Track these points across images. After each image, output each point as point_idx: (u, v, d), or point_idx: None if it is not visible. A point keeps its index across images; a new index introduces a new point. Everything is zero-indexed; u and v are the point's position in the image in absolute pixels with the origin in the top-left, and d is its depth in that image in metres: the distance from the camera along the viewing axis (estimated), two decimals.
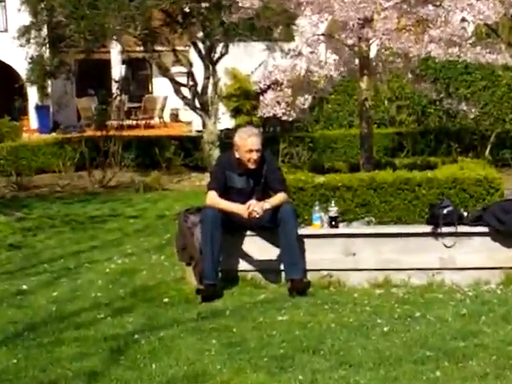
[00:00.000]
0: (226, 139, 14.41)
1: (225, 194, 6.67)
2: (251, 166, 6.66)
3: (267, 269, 6.80)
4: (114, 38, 15.30)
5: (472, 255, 6.64)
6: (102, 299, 6.52)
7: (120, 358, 5.04)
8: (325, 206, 6.89)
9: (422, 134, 15.86)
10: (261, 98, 7.43)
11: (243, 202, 6.55)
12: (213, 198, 6.64)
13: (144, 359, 5.01)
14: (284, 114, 7.42)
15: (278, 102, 7.36)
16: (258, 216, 6.43)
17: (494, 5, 7.10)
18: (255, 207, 6.42)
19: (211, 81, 14.77)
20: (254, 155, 6.62)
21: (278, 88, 7.33)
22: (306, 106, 7.53)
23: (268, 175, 6.71)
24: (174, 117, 28.75)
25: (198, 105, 14.89)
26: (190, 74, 14.96)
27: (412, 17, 7.38)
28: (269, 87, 7.45)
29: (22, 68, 17.59)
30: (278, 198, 6.61)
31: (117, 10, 13.22)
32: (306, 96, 7.49)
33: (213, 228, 6.45)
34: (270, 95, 7.34)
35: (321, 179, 7.17)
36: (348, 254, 6.75)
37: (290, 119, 7.55)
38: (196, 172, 16.02)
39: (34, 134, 22.94)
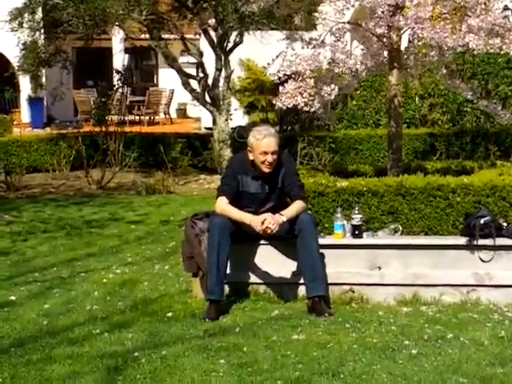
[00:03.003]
0: (238, 138, 14.42)
1: (237, 199, 6.66)
2: (266, 169, 6.65)
3: (282, 282, 6.79)
4: (117, 23, 15.33)
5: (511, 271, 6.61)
6: (99, 312, 6.52)
7: (117, 379, 5.04)
8: (347, 213, 6.88)
9: (456, 136, 15.83)
10: (280, 88, 7.42)
11: (256, 209, 6.58)
12: (223, 205, 6.62)
13: (144, 380, 5.01)
14: (306, 104, 7.41)
15: (300, 93, 7.36)
16: (273, 232, 6.43)
17: None
18: (270, 223, 6.39)
19: (223, 73, 14.78)
20: (270, 158, 6.60)
21: (300, 78, 7.32)
22: (332, 97, 7.52)
23: (285, 179, 6.69)
24: (182, 112, 28.83)
25: (208, 99, 14.90)
26: (200, 65, 14.98)
27: (448, 4, 7.37)
28: (289, 78, 7.45)
29: (13, 55, 17.63)
30: (295, 207, 6.57)
31: None
32: (333, 86, 7.48)
33: (220, 238, 6.44)
34: (290, 85, 7.33)
35: (343, 183, 7.17)
36: (373, 267, 6.73)
37: (312, 110, 7.54)
38: (205, 173, 16.06)
39: (26, 129, 22.99)
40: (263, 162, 6.62)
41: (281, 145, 6.75)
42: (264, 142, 6.60)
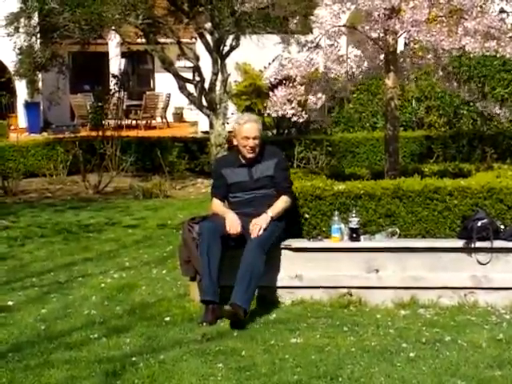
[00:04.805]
0: None
1: (230, 193, 6.90)
2: (248, 154, 6.83)
3: (279, 286, 6.79)
4: (113, 28, 15.34)
5: (509, 273, 6.62)
6: (97, 317, 6.51)
7: (116, 383, 5.04)
8: (345, 216, 6.88)
9: (453, 138, 15.85)
10: (270, 94, 7.44)
11: (246, 197, 6.78)
12: (216, 206, 6.92)
13: None
14: (294, 114, 7.44)
15: (289, 100, 7.37)
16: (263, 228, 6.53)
17: None
18: (258, 223, 6.52)
19: (220, 77, 14.78)
20: (251, 142, 6.80)
21: (290, 84, 7.33)
22: (317, 106, 7.54)
23: (276, 172, 6.82)
24: (178, 116, 28.81)
25: (204, 103, 14.90)
26: (197, 69, 14.97)
27: (444, 7, 7.37)
28: (280, 82, 7.45)
29: (9, 60, 17.63)
30: (281, 204, 6.72)
31: None
32: (319, 95, 7.48)
33: (210, 240, 6.51)
34: (280, 92, 7.34)
35: (341, 187, 7.16)
36: (370, 271, 6.73)
37: (301, 120, 7.56)
38: (202, 177, 16.06)
39: (23, 134, 23.00)
40: (245, 147, 6.82)
41: (281, 147, 6.84)
42: (245, 127, 6.83)
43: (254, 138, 6.80)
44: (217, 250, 6.50)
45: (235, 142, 6.96)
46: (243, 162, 6.88)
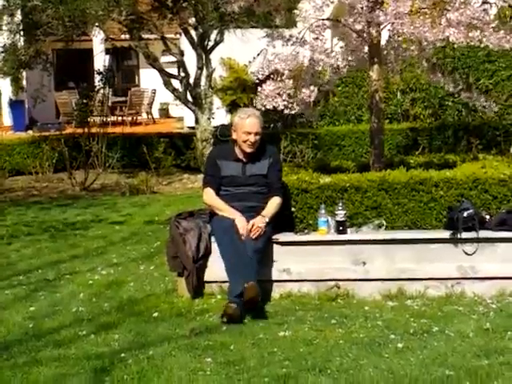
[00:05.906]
0: (221, 136, 14.42)
1: (220, 184, 6.85)
2: (247, 149, 6.78)
3: (268, 279, 6.80)
4: (97, 24, 15.30)
5: (495, 263, 6.65)
6: (85, 314, 6.51)
7: (105, 380, 5.04)
8: (331, 209, 6.89)
9: (438, 130, 15.88)
10: (259, 88, 7.44)
11: (236, 192, 6.75)
12: (210, 198, 6.86)
13: (132, 380, 5.00)
14: (286, 106, 7.44)
15: (279, 94, 7.38)
16: (262, 231, 6.52)
17: None
18: (257, 227, 6.49)
19: (204, 72, 14.79)
20: (252, 138, 6.76)
21: (279, 78, 7.34)
22: (311, 99, 7.54)
23: (269, 172, 6.80)
24: (164, 112, 28.77)
25: (190, 98, 14.90)
26: (181, 65, 14.97)
27: None
28: (268, 77, 7.46)
29: None
30: (274, 206, 6.73)
31: None
32: (312, 88, 7.49)
33: (232, 237, 6.48)
34: (269, 86, 7.35)
35: (327, 180, 7.17)
36: (357, 263, 6.75)
37: (293, 112, 7.57)
38: (188, 173, 16.04)
39: (8, 132, 22.95)
40: (245, 142, 6.77)
41: (269, 141, 6.82)
42: (248, 122, 6.78)
43: (256, 134, 6.76)
44: (241, 246, 6.46)
45: (235, 137, 6.87)
46: (239, 156, 6.85)
